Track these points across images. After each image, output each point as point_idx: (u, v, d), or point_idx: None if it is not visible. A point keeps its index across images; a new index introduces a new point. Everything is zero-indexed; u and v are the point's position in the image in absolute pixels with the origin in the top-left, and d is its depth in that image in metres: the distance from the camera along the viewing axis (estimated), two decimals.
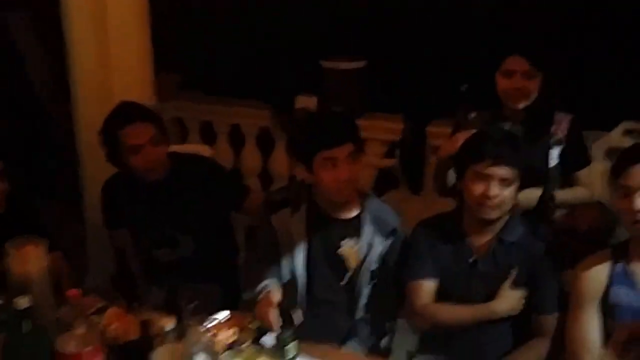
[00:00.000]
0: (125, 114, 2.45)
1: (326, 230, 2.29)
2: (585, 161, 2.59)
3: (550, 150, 2.51)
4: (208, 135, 4.33)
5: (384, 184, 4.02)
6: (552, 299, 2.15)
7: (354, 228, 2.28)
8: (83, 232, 3.44)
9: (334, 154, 2.16)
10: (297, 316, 2.00)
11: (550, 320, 2.14)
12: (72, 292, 1.78)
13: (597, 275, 2.00)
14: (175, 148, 2.81)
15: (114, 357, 1.85)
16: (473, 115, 2.54)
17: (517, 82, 2.45)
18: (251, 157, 4.27)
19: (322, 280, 2.30)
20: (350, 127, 2.24)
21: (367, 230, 2.27)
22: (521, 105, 2.49)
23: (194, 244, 2.58)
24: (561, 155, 2.53)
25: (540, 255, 2.16)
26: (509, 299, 2.12)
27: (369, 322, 2.30)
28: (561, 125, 2.53)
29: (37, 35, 4.51)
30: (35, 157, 4.55)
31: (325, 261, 2.29)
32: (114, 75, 3.29)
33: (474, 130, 2.36)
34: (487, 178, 2.09)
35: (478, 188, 2.10)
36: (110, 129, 2.44)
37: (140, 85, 3.38)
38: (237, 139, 4.32)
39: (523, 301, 2.13)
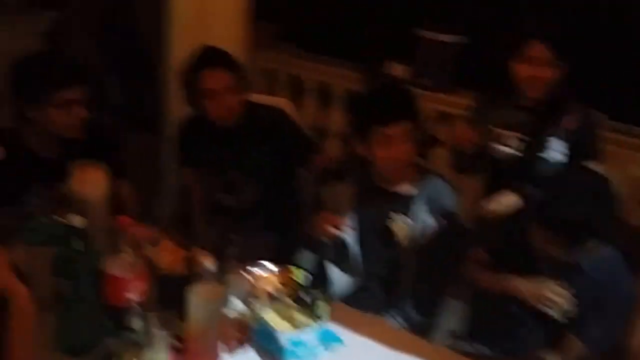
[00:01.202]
0: (206, 58, 2.51)
1: (378, 203, 2.26)
2: (593, 154, 2.46)
3: (555, 143, 2.42)
4: (297, 90, 4.36)
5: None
6: None
7: (406, 204, 2.24)
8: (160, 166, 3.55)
9: (388, 132, 2.11)
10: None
11: None
12: (124, 219, 1.86)
13: None
14: (255, 97, 2.86)
15: (158, 287, 1.93)
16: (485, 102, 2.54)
17: (537, 70, 2.39)
18: (335, 118, 4.27)
19: (370, 252, 2.29)
20: (408, 104, 2.17)
21: (419, 209, 2.22)
22: (536, 94, 2.43)
23: (257, 192, 2.64)
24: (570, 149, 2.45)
25: None
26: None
27: (413, 298, 2.28)
28: (573, 117, 2.45)
29: None
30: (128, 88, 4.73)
31: (375, 233, 2.27)
32: (210, 20, 3.34)
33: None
34: None
35: None
36: (190, 72, 2.51)
37: (236, 32, 3.42)
38: (326, 98, 4.33)
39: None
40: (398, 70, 3.95)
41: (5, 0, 4.68)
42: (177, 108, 3.42)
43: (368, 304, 2.23)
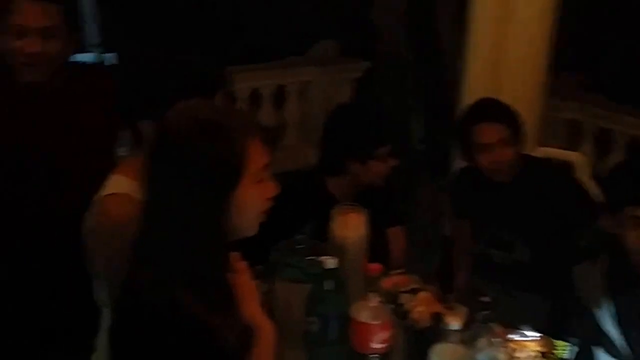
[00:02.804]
0: (481, 111, 2.45)
1: (636, 289, 1.93)
2: None
3: None
4: (603, 142, 4.04)
5: None
6: None
7: None
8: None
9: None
10: None
11: None
12: (374, 266, 1.88)
13: None
14: (544, 151, 2.71)
15: (407, 338, 1.91)
16: None
17: None
18: None
19: (636, 343, 1.98)
20: None
21: None
22: None
23: (531, 252, 2.48)
24: None
25: None
26: None
27: None
28: None
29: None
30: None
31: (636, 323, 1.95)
32: (505, 70, 3.27)
33: None
34: None
35: None
36: (464, 123, 2.47)
37: (535, 81, 3.30)
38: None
39: None
40: None
41: (327, 49, 5.17)
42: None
43: None
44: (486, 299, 1.88)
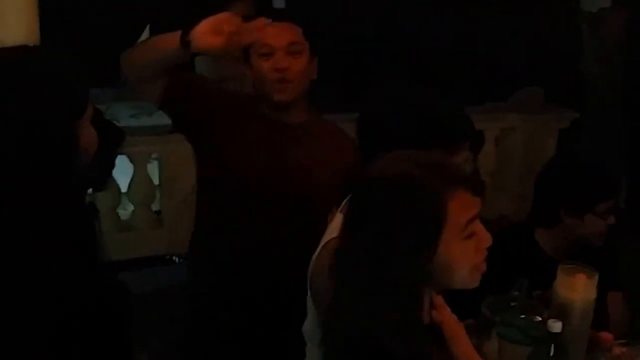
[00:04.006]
0: None
1: None
2: None
3: None
4: None
5: None
6: None
7: None
8: None
9: None
10: None
11: None
12: (605, 335, 1.72)
13: None
14: None
15: None
16: None
17: None
18: None
19: None
20: None
21: None
22: None
23: None
24: None
25: None
26: None
27: None
28: None
29: None
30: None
31: None
32: None
33: None
34: None
35: None
36: None
37: None
38: None
39: None
40: None
41: (531, 96, 4.99)
42: None
43: None
44: None
